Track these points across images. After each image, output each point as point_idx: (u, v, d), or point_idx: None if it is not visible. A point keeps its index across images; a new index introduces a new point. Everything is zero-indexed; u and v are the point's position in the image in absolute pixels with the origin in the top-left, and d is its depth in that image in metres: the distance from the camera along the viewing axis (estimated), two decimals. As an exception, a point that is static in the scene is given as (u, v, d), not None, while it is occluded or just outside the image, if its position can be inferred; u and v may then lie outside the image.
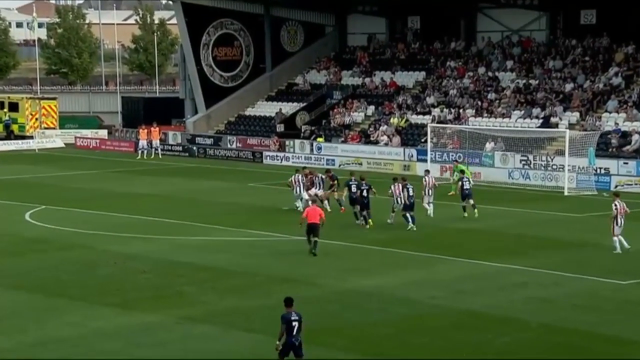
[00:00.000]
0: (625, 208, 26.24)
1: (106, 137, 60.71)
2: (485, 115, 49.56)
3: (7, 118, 61.83)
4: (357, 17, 60.98)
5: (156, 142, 54.13)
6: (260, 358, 17.46)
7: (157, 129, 54.61)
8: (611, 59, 49.81)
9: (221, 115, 58.90)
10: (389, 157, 47.98)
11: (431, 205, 32.56)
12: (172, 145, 56.12)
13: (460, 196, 33.39)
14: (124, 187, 40.54)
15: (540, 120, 47.07)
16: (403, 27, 59.79)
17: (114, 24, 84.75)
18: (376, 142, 50.69)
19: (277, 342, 16.10)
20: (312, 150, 51.03)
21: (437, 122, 48.98)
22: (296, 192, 33.36)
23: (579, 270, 24.55)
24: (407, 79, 56.02)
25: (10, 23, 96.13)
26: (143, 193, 38.83)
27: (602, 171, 41.06)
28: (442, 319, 20.17)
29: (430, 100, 52.71)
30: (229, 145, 54.65)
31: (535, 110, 48.00)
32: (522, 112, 48.39)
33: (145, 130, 54.18)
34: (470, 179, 34.43)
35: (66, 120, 64.32)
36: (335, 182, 33.89)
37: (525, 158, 43.50)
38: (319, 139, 52.18)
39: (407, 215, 30.36)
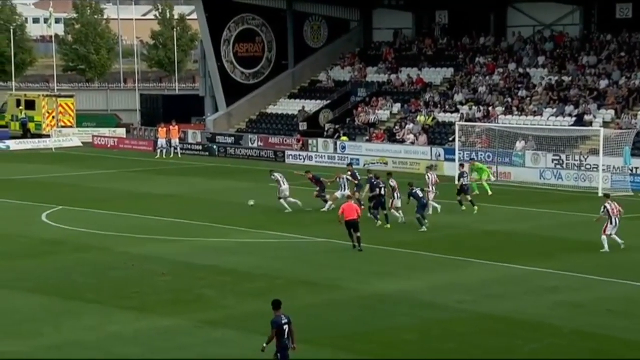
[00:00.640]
0: (619, 208, 26.88)
1: (124, 136, 60.11)
2: (516, 113, 48.81)
3: (23, 116, 61.19)
4: (383, 12, 60.18)
5: (175, 141, 53.49)
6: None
7: (177, 127, 53.89)
8: (648, 55, 48.86)
9: (242, 114, 58.14)
10: (415, 156, 47.35)
11: (433, 203, 32.65)
12: (191, 144, 55.45)
13: (457, 191, 33.96)
14: (142, 187, 39.97)
15: (574, 119, 46.36)
16: (430, 22, 59.12)
17: (132, 19, 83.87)
18: (402, 141, 50.08)
19: (264, 345, 15.98)
20: (335, 149, 50.37)
21: (466, 121, 48.41)
22: (279, 192, 33.53)
23: (612, 274, 24.18)
24: (435, 75, 55.26)
25: (26, 19, 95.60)
26: (162, 194, 38.27)
27: (639, 171, 40.33)
28: (470, 324, 19.79)
29: (458, 97, 51.98)
30: (250, 145, 53.84)
31: (569, 108, 47.27)
32: (555, 109, 47.67)
33: (165, 129, 53.56)
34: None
35: (84, 119, 63.74)
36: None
37: (558, 158, 42.80)
38: (343, 138, 51.43)
39: (419, 217, 30.24)
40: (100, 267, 24.87)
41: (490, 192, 37.86)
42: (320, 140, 51.51)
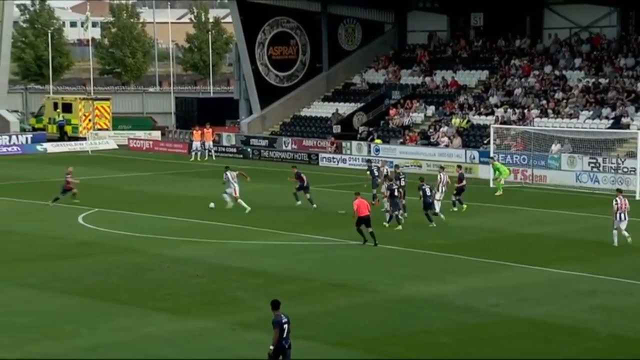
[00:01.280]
0: (626, 204, 27.58)
1: (159, 139, 60.34)
2: (552, 115, 48.37)
3: (60, 119, 61.70)
4: (417, 14, 59.97)
5: (209, 143, 53.74)
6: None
7: (210, 130, 54.10)
8: (687, 57, 48.20)
9: (276, 116, 58.18)
10: (449, 159, 47.10)
11: (439, 203, 32.90)
12: (226, 146, 55.62)
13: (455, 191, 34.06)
14: (177, 189, 40.14)
15: (611, 121, 45.93)
16: (465, 24, 58.76)
17: (168, 22, 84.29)
18: (436, 144, 49.68)
19: (271, 347, 15.80)
20: (369, 151, 50.21)
21: (501, 123, 48.07)
22: (229, 188, 34.21)
23: (652, 278, 23.93)
24: (469, 78, 54.93)
25: (64, 22, 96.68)
26: (196, 195, 38.38)
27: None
28: (504, 328, 19.64)
29: (493, 100, 51.65)
30: (284, 147, 53.90)
31: (605, 111, 46.79)
32: (591, 112, 47.25)
33: (199, 132, 53.70)
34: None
35: (119, 121, 64.13)
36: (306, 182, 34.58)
37: (594, 160, 42.42)
38: (377, 141, 51.26)
39: (428, 213, 30.96)
40: (135, 269, 24.98)
41: (499, 192, 37.97)
42: (354, 143, 51.41)
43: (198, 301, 21.66)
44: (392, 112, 54.14)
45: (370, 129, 53.49)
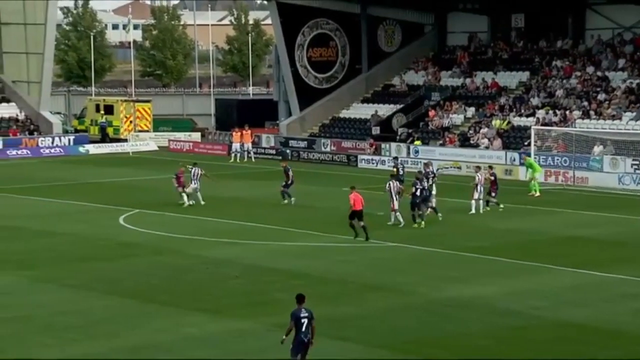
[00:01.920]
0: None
1: (199, 140, 60.55)
2: (594, 117, 47.85)
3: (102, 120, 62.26)
4: (457, 15, 59.65)
5: (248, 145, 53.90)
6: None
7: (249, 131, 54.34)
8: None
9: (315, 118, 58.23)
10: (489, 160, 46.73)
11: (477, 202, 33.00)
12: (265, 148, 55.74)
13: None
14: (216, 191, 40.13)
15: None
16: (506, 25, 58.32)
17: (208, 25, 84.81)
18: (476, 145, 49.32)
19: (284, 337, 16.09)
20: (408, 153, 50.04)
21: (542, 125, 47.71)
22: (193, 184, 35.48)
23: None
24: (510, 79, 54.57)
25: (106, 25, 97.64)
26: (235, 197, 38.55)
27: None
28: (545, 331, 19.39)
29: (534, 101, 51.24)
30: (323, 149, 53.92)
31: None
32: (634, 113, 46.72)
33: (239, 133, 53.90)
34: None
35: (160, 123, 64.62)
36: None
37: (637, 162, 42.02)
38: (416, 142, 51.11)
39: (414, 214, 31.07)
40: (175, 270, 25.10)
41: (537, 193, 37.73)
42: (393, 145, 51.27)
43: (237, 302, 21.72)
44: (431, 113, 53.92)
45: (410, 131, 53.29)
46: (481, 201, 33.95)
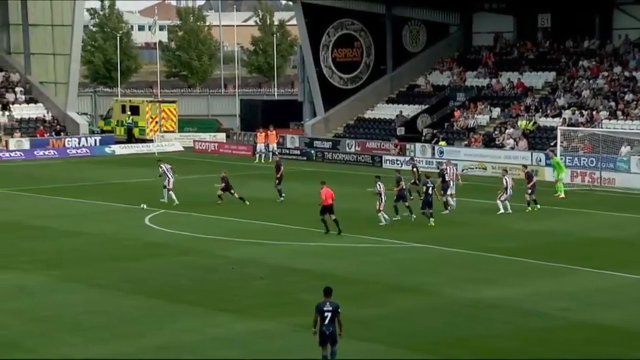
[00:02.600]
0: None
1: (224, 141, 60.72)
2: (621, 117, 47.63)
3: (128, 121, 62.59)
4: (483, 15, 59.49)
5: (273, 145, 53.94)
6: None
7: (274, 132, 54.47)
8: None
9: (340, 118, 58.25)
10: (515, 161, 46.58)
11: (504, 203, 33.14)
12: (289, 148, 55.80)
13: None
14: (241, 191, 40.14)
15: None
16: (532, 25, 58.10)
17: (233, 25, 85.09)
18: (501, 146, 49.09)
19: (313, 329, 16.58)
20: (433, 154, 49.91)
21: (568, 125, 47.41)
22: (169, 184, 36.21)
23: None
24: (536, 79, 54.34)
25: (132, 26, 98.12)
26: (260, 197, 38.55)
27: None
28: (573, 333, 19.35)
29: (560, 102, 50.99)
30: (347, 149, 53.92)
31: None
32: (662, 114, 46.07)
33: (263, 134, 54.00)
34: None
35: (185, 124, 64.86)
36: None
37: (665, 163, 41.66)
38: (441, 143, 51.01)
39: (425, 212, 31.53)
40: (201, 270, 25.19)
41: (562, 194, 37.53)
42: (418, 145, 51.17)
43: (262, 302, 21.78)
44: (456, 114, 53.76)
45: (435, 131, 53.17)
46: (507, 202, 33.79)
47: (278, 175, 37.61)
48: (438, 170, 36.24)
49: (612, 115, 47.75)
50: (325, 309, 16.44)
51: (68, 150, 57.12)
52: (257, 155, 53.77)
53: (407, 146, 51.46)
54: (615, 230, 30.94)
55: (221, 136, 62.26)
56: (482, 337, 19.13)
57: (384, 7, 58.70)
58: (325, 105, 57.91)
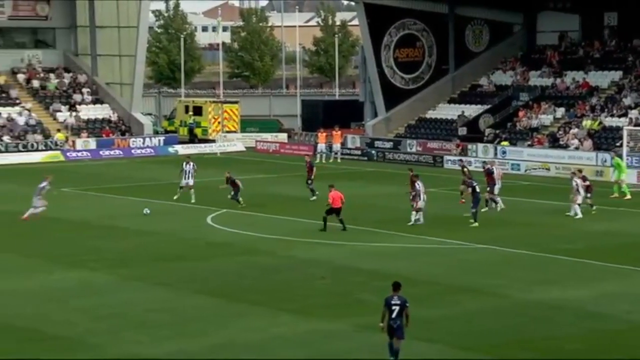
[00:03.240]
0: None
1: (286, 141, 60.97)
2: (688, 117, 46.32)
3: (191, 121, 63.29)
4: (547, 14, 58.84)
5: (337, 145, 54.01)
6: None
7: (340, 132, 54.54)
8: None
9: (401, 118, 58.13)
10: (579, 161, 46.01)
11: (578, 207, 32.50)
12: (350, 149, 55.88)
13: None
14: (303, 191, 40.42)
15: None
16: (598, 23, 57.13)
17: (295, 26, 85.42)
18: (565, 146, 48.36)
19: (381, 324, 17.12)
20: (495, 154, 49.48)
21: (635, 125, 46.73)
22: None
23: None
24: (602, 79, 53.59)
25: (195, 27, 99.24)
26: (322, 198, 38.40)
27: None
28: (638, 336, 19.26)
29: (627, 101, 50.32)
30: (408, 149, 53.82)
31: None
32: None
33: (324, 134, 54.11)
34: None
35: (247, 124, 65.30)
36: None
37: None
38: (504, 143, 50.51)
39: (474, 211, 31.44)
40: (263, 270, 25.35)
41: (628, 196, 36.89)
42: (480, 145, 50.80)
43: (324, 303, 21.86)
44: (520, 113, 53.19)
45: (497, 131, 52.72)
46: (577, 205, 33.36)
47: (312, 176, 37.98)
48: (484, 170, 36.11)
49: (680, 114, 46.90)
50: (393, 302, 17.00)
51: (133, 150, 58.00)
52: (318, 155, 53.91)
53: (469, 146, 51.13)
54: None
55: (282, 136, 62.54)
56: (545, 339, 18.98)
57: (447, 7, 58.35)
58: (387, 105, 57.82)
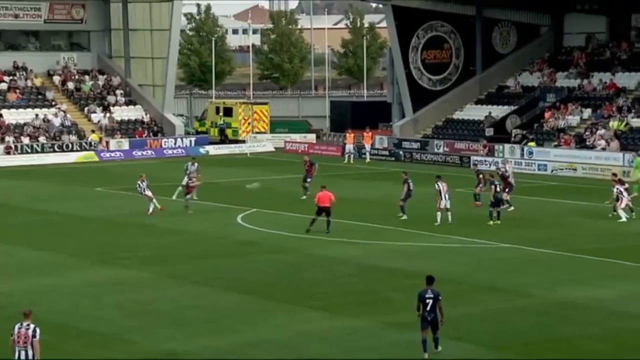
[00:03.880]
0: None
1: (314, 142, 61.48)
2: None
3: (222, 122, 64.05)
4: (575, 16, 58.75)
5: (368, 146, 54.61)
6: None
7: (370, 133, 55.02)
8: None
9: (428, 119, 58.34)
10: (606, 162, 46.06)
11: (626, 210, 32.25)
12: (378, 149, 56.21)
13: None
14: (331, 191, 40.87)
15: None
16: (626, 25, 57.00)
17: (324, 28, 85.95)
18: (592, 147, 48.42)
19: (418, 313, 17.77)
20: (522, 155, 49.59)
21: (661, 126, 46.26)
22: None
23: None
24: (629, 80, 53.51)
25: (226, 30, 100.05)
26: (349, 197, 39.01)
27: None
28: (668, 337, 19.25)
29: (654, 102, 49.77)
30: (435, 150, 54.05)
31: None
32: None
33: (352, 135, 54.51)
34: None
35: (276, 125, 65.79)
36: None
37: None
38: (530, 144, 50.66)
39: (492, 210, 31.78)
40: (291, 268, 25.64)
41: (635, 193, 36.79)
42: (507, 146, 50.93)
43: (351, 300, 22.06)
44: (547, 114, 53.37)
45: (524, 132, 52.91)
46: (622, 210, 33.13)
47: (313, 175, 38.26)
48: (498, 174, 35.92)
49: None
50: (426, 296, 17.57)
51: (165, 151, 58.79)
52: (346, 156, 54.37)
53: (496, 147, 51.33)
54: None
55: (311, 137, 62.96)
56: (573, 338, 19.01)
57: (474, 9, 58.45)
58: (414, 106, 58.05)
